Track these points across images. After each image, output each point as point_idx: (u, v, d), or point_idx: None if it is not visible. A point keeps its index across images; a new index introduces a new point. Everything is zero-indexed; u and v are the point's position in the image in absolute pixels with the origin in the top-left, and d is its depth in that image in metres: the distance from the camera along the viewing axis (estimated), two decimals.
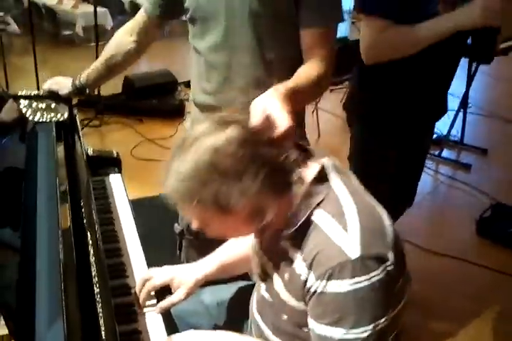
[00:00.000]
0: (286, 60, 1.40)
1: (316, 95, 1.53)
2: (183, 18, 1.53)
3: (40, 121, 1.55)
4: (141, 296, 1.17)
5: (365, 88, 1.75)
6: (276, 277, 1.01)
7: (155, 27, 1.59)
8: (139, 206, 1.63)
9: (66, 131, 1.56)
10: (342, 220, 0.89)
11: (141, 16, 1.58)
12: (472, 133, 4.20)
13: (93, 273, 1.01)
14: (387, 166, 1.74)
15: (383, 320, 0.88)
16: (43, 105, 1.66)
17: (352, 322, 0.86)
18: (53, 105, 1.67)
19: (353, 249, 0.86)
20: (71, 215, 1.13)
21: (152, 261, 1.34)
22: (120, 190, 1.66)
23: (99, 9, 6.64)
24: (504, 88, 5.64)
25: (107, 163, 1.76)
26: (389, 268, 0.87)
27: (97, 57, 4.19)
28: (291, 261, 0.95)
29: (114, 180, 1.71)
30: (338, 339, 0.88)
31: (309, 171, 0.94)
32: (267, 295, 1.07)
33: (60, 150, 1.43)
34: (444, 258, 2.67)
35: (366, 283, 0.85)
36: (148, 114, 4.32)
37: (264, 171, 0.85)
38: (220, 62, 1.43)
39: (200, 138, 0.86)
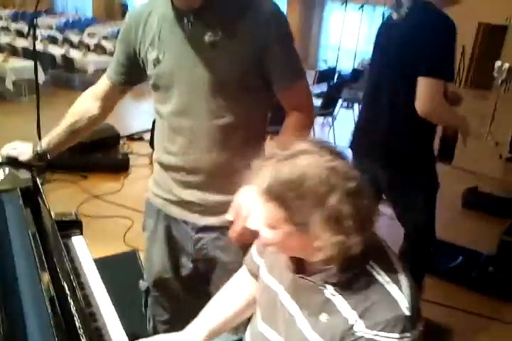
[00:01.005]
0: (249, 121, 1.46)
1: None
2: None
3: (4, 188, 1.55)
4: None
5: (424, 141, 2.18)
6: (300, 316, 1.05)
7: (119, 93, 1.63)
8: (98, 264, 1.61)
9: (30, 197, 1.56)
10: (395, 278, 0.98)
11: (104, 83, 1.62)
12: None
13: None
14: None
15: None
16: (1, 172, 1.66)
17: None
18: (13, 171, 1.66)
19: (407, 306, 0.95)
20: (52, 283, 1.14)
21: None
22: (84, 252, 1.65)
23: (30, 63, 6.55)
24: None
25: (68, 225, 1.76)
26: (420, 328, 0.97)
27: (38, 112, 4.17)
28: (333, 304, 0.99)
29: (77, 242, 1.71)
30: None
31: None
32: (273, 334, 1.12)
33: (28, 217, 1.43)
34: None
35: (409, 339, 0.94)
36: (92, 170, 4.30)
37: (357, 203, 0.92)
38: (182, 126, 1.46)
39: (310, 152, 0.93)
